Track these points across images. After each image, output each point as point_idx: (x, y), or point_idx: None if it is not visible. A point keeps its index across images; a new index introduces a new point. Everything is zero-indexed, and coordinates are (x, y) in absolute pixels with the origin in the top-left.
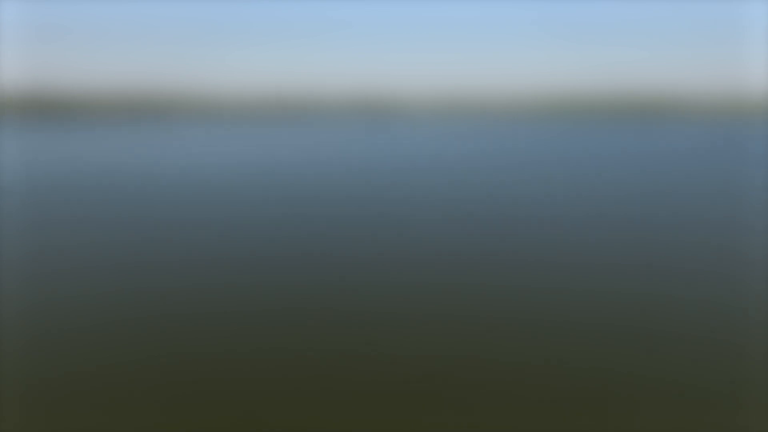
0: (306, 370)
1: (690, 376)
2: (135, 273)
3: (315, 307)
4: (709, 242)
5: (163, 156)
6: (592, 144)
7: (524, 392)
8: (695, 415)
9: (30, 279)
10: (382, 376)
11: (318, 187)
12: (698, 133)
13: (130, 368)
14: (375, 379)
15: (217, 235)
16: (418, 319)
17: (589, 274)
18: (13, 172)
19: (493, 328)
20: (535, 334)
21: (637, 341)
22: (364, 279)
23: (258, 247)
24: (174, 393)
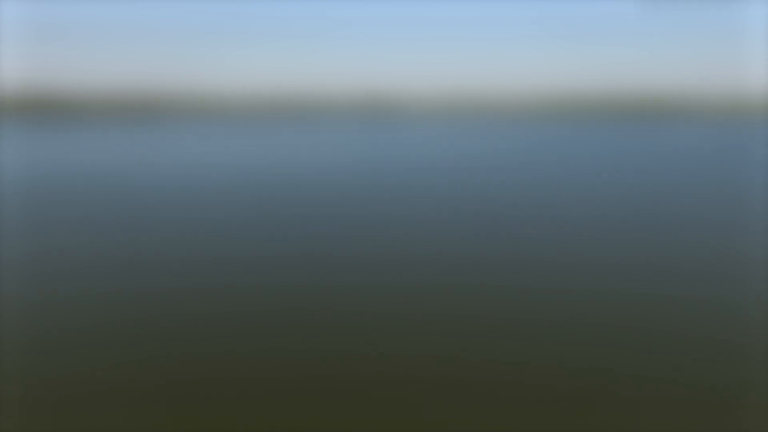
0: (306, 371)
1: (690, 376)
2: (135, 273)
3: (315, 307)
4: (708, 242)
5: (163, 156)
6: (592, 144)
7: (524, 392)
8: (695, 415)
9: (30, 279)
10: (382, 376)
11: (319, 187)
12: (698, 133)
13: (129, 368)
14: (375, 379)
15: (217, 235)
16: (418, 319)
17: (589, 274)
18: (13, 172)
19: (493, 328)
20: (535, 334)
21: (637, 341)
22: (364, 279)
23: (258, 247)
24: (174, 393)
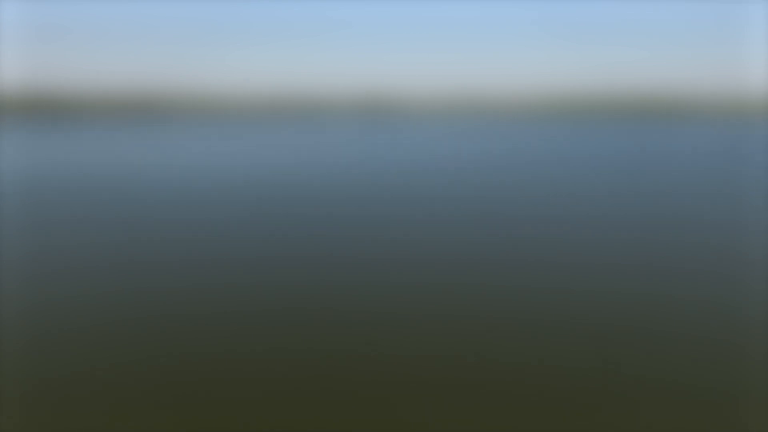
0: (306, 371)
1: (690, 376)
2: (135, 273)
3: (316, 308)
4: (708, 242)
5: (163, 156)
6: (592, 144)
7: (524, 392)
8: (695, 415)
9: (30, 279)
10: (382, 376)
11: (319, 187)
12: (698, 133)
13: (129, 368)
14: (375, 379)
15: (218, 235)
16: (418, 319)
17: (589, 274)
18: (14, 173)
19: (493, 328)
20: (535, 334)
21: (637, 341)
22: (364, 279)
23: (258, 247)
24: (174, 393)
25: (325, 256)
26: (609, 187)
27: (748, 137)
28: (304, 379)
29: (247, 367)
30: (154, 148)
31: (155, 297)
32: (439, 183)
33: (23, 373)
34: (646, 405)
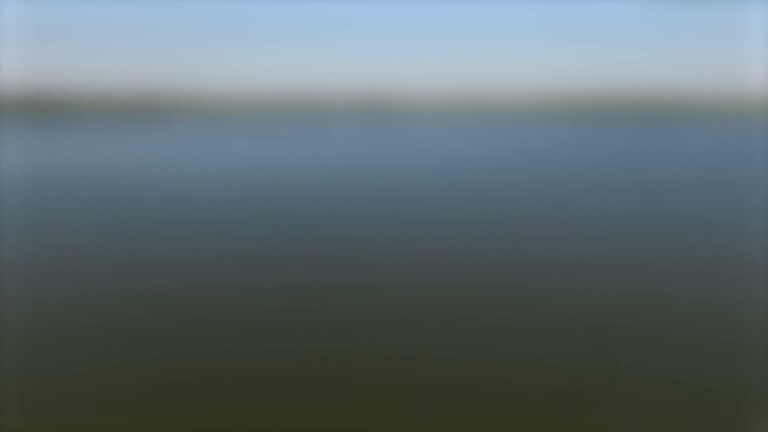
0: (306, 371)
1: (690, 376)
2: (135, 273)
3: (316, 308)
4: (708, 242)
5: (163, 156)
6: (592, 144)
7: (524, 392)
8: (695, 415)
9: (30, 279)
10: (382, 376)
11: (319, 187)
12: (698, 133)
13: (129, 368)
14: (375, 379)
15: (218, 236)
16: (419, 319)
17: (588, 275)
18: (13, 173)
19: (493, 328)
20: (535, 334)
21: (637, 341)
22: (364, 279)
23: (258, 248)
24: (174, 393)
25: (325, 256)
26: (609, 187)
27: (748, 137)
28: (304, 379)
29: (247, 367)
30: (154, 148)
31: (155, 297)
32: (440, 183)
33: (23, 373)
34: (646, 405)
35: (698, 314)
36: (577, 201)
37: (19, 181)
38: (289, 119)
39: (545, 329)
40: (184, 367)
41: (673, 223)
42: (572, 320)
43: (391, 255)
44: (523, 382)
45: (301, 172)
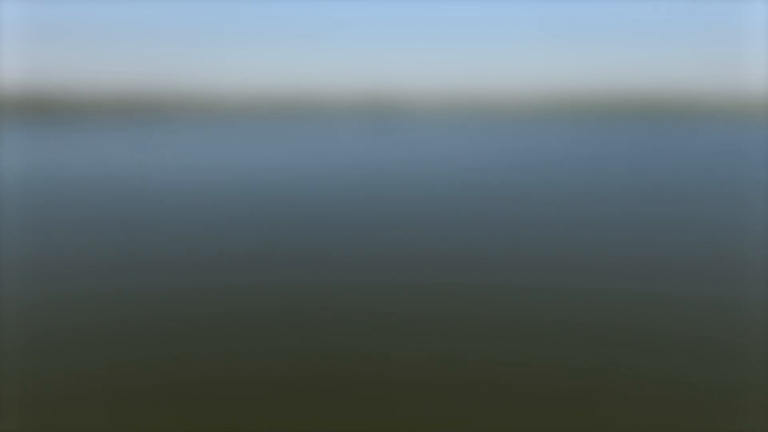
0: (307, 371)
1: (690, 376)
2: (135, 273)
3: (317, 307)
4: (709, 242)
5: (163, 156)
6: (592, 144)
7: (524, 392)
8: (695, 415)
9: (30, 279)
10: (382, 376)
11: (320, 187)
12: (698, 132)
13: (129, 368)
14: (376, 379)
15: (218, 236)
16: (420, 319)
17: (589, 275)
18: (13, 173)
19: (493, 328)
20: (535, 334)
21: (637, 341)
22: (365, 279)
23: (259, 248)
24: (173, 393)
25: (325, 255)
26: (608, 186)
27: (748, 137)
28: (304, 380)
29: (246, 368)
30: (154, 148)
31: (155, 297)
32: (440, 183)
33: (23, 373)
34: (646, 405)
35: (698, 314)
36: (576, 201)
37: (19, 181)
38: (289, 119)
39: (545, 329)
40: (184, 367)
41: (673, 222)
42: (572, 320)
43: (392, 255)
44: (523, 382)
45: (301, 172)
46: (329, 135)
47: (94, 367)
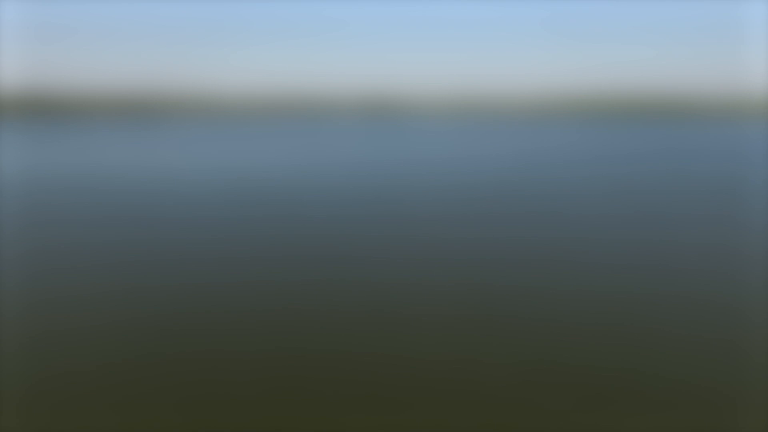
0: (307, 371)
1: (689, 375)
2: (135, 273)
3: (318, 307)
4: (709, 241)
5: (164, 156)
6: (594, 143)
7: (524, 391)
8: (695, 415)
9: (30, 278)
10: (383, 376)
11: (322, 186)
12: (699, 132)
13: (129, 368)
14: (376, 379)
15: (220, 236)
16: (420, 320)
17: (589, 274)
18: (13, 173)
19: (493, 327)
20: (535, 334)
21: (636, 340)
22: (367, 278)
23: (260, 247)
24: (173, 392)
25: (327, 255)
26: (609, 186)
27: (748, 137)
28: (304, 379)
29: (246, 368)
30: (155, 148)
31: (155, 297)
32: (442, 182)
33: (24, 373)
34: (645, 404)
35: (698, 313)
36: (577, 200)
37: (19, 181)
38: (290, 119)
39: (545, 328)
40: (184, 367)
41: (673, 222)
42: (572, 319)
43: (394, 254)
44: (523, 381)
45: (303, 172)
46: (331, 135)
47: (94, 367)
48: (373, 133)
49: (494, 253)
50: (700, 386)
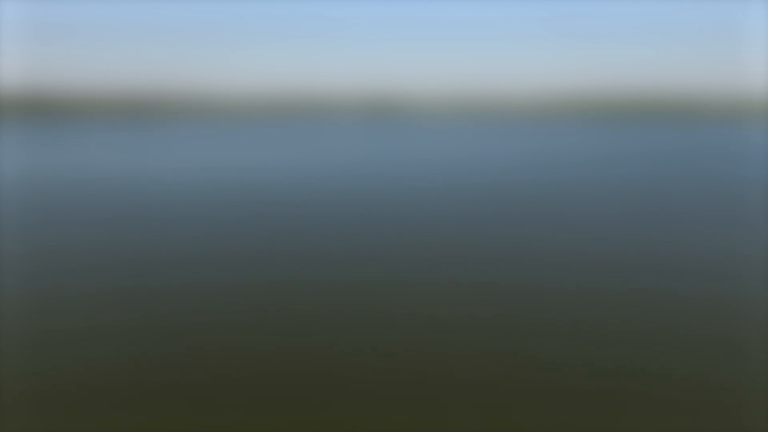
0: (307, 370)
1: (689, 374)
2: (135, 274)
3: (319, 307)
4: (709, 241)
5: (164, 156)
6: (597, 143)
7: (523, 392)
8: (695, 414)
9: (30, 279)
10: (385, 376)
11: (323, 187)
12: (700, 132)
13: (129, 368)
14: (377, 379)
15: (221, 236)
16: (421, 319)
17: (589, 273)
18: (13, 173)
19: (493, 327)
20: (534, 333)
21: (636, 339)
22: (368, 279)
23: (261, 248)
24: (173, 392)
25: (328, 256)
26: (610, 186)
27: (748, 137)
28: (304, 380)
29: (246, 367)
30: (156, 148)
31: (154, 297)
32: (444, 182)
33: (24, 373)
34: (645, 403)
35: (699, 314)
36: (579, 200)
37: (19, 182)
38: (292, 119)
39: (545, 328)
40: (184, 367)
41: (674, 222)
42: (572, 319)
43: (395, 254)
44: (523, 380)
45: (304, 172)
46: (333, 135)
47: (94, 367)
48: (375, 133)
49: (495, 253)
50: (702, 386)
